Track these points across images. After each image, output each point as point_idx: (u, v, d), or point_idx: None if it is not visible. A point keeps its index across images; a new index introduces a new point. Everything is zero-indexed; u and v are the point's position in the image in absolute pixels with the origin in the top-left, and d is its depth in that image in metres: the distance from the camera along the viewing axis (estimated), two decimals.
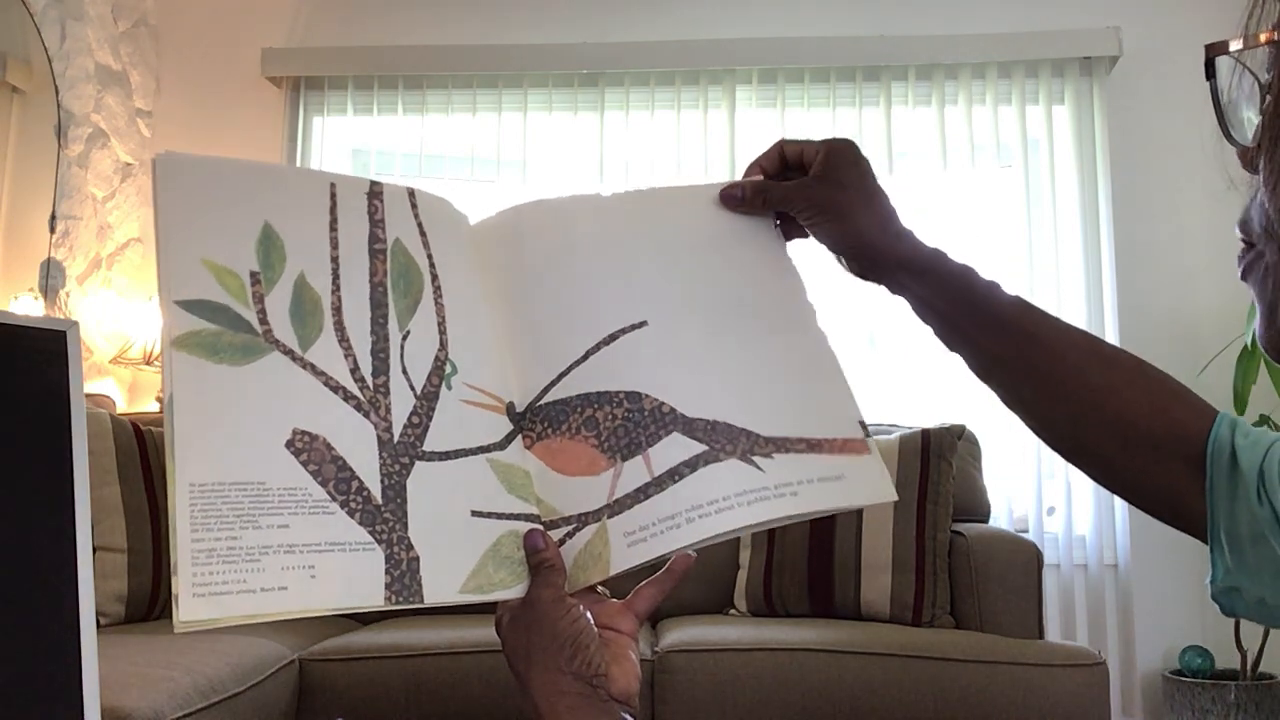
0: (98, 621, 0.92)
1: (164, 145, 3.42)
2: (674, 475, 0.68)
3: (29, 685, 0.59)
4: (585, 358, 0.73)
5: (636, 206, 0.81)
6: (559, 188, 3.43)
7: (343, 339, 0.68)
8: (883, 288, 0.78)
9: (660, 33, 3.35)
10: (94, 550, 1.62)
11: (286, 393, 0.65)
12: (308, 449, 0.64)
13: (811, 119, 3.28)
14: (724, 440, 0.69)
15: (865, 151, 0.77)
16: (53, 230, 2.88)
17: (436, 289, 0.74)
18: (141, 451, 2.22)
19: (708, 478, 0.68)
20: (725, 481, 0.67)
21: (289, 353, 0.66)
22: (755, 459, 0.69)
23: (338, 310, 0.69)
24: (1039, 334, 0.73)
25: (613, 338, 0.73)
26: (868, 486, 0.71)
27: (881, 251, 0.75)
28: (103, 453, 2.15)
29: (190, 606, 0.56)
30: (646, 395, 0.70)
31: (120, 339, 3.15)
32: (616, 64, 3.31)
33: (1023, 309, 0.74)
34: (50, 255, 2.87)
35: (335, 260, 0.70)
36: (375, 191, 0.74)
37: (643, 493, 0.68)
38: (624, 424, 0.70)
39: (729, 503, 0.67)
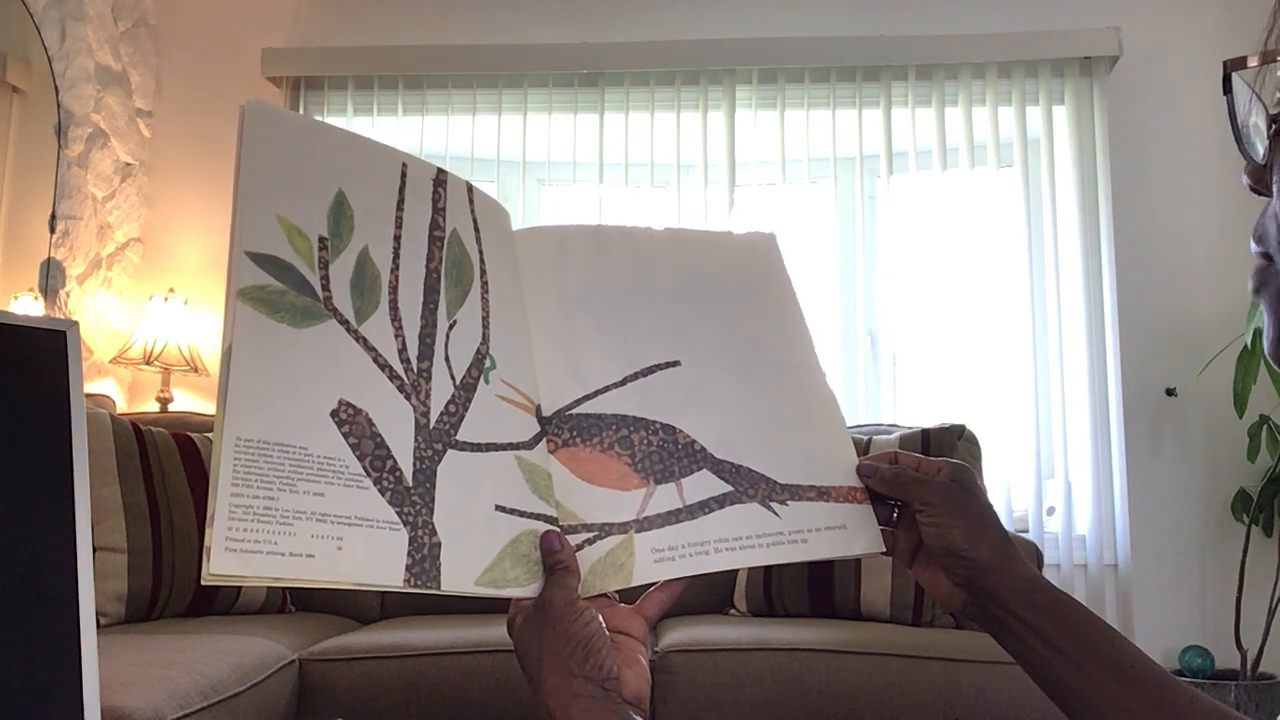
0: (98, 621, 0.92)
1: (164, 145, 3.42)
2: (704, 507, 0.74)
3: (29, 685, 0.59)
4: (624, 382, 0.78)
5: (669, 246, 0.87)
6: (559, 188, 3.43)
7: (395, 319, 0.69)
8: (982, 609, 0.73)
9: (660, 33, 3.35)
10: (94, 550, 1.62)
11: (337, 362, 0.65)
12: (350, 421, 0.64)
13: (811, 119, 3.28)
14: (746, 484, 0.76)
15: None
16: (53, 230, 2.88)
17: (484, 284, 0.76)
18: (141, 451, 2.21)
19: (733, 516, 0.74)
20: (749, 522, 0.75)
21: (345, 323, 0.67)
22: (773, 504, 0.76)
23: (394, 290, 0.70)
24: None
25: (649, 371, 0.79)
26: (865, 537, 0.77)
27: (1004, 567, 0.72)
28: (103, 453, 2.14)
29: (221, 560, 0.57)
30: (680, 430, 0.77)
31: (120, 339, 3.15)
32: (616, 64, 3.31)
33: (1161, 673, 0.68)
34: (50, 255, 2.87)
35: (398, 240, 0.72)
36: (440, 180, 0.76)
37: (674, 516, 0.73)
38: (659, 451, 0.76)
39: (751, 542, 0.74)
